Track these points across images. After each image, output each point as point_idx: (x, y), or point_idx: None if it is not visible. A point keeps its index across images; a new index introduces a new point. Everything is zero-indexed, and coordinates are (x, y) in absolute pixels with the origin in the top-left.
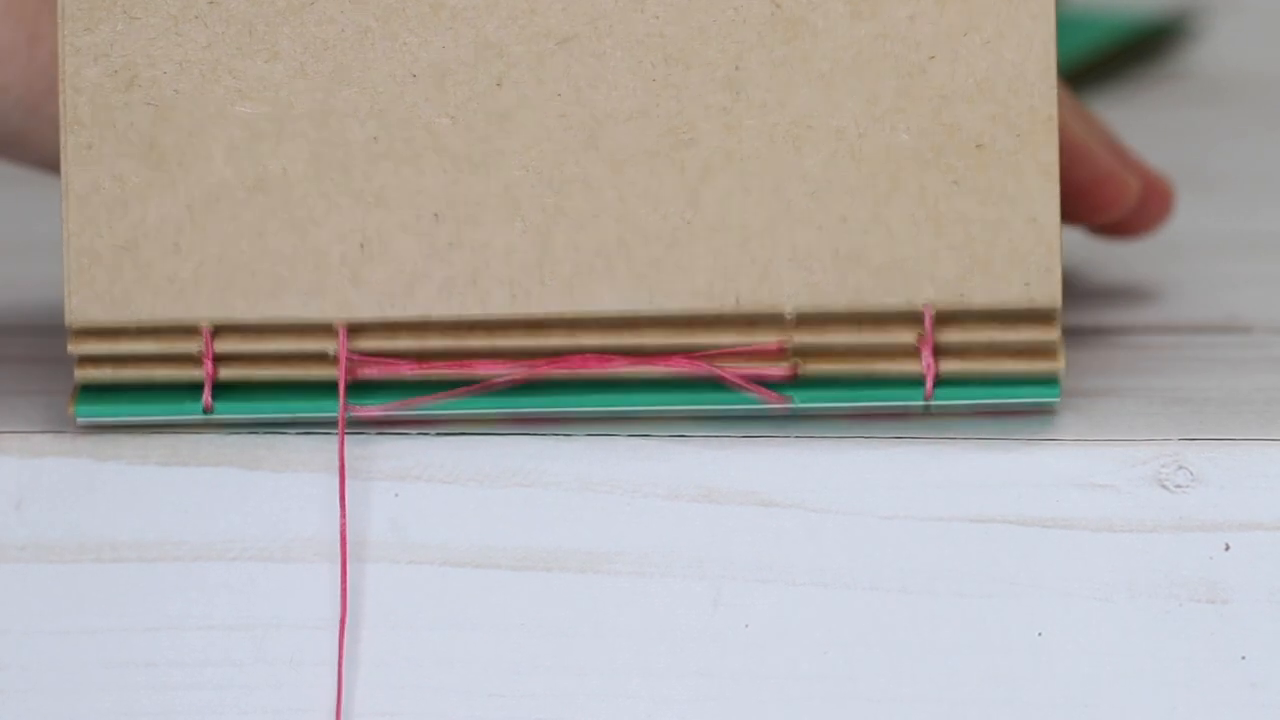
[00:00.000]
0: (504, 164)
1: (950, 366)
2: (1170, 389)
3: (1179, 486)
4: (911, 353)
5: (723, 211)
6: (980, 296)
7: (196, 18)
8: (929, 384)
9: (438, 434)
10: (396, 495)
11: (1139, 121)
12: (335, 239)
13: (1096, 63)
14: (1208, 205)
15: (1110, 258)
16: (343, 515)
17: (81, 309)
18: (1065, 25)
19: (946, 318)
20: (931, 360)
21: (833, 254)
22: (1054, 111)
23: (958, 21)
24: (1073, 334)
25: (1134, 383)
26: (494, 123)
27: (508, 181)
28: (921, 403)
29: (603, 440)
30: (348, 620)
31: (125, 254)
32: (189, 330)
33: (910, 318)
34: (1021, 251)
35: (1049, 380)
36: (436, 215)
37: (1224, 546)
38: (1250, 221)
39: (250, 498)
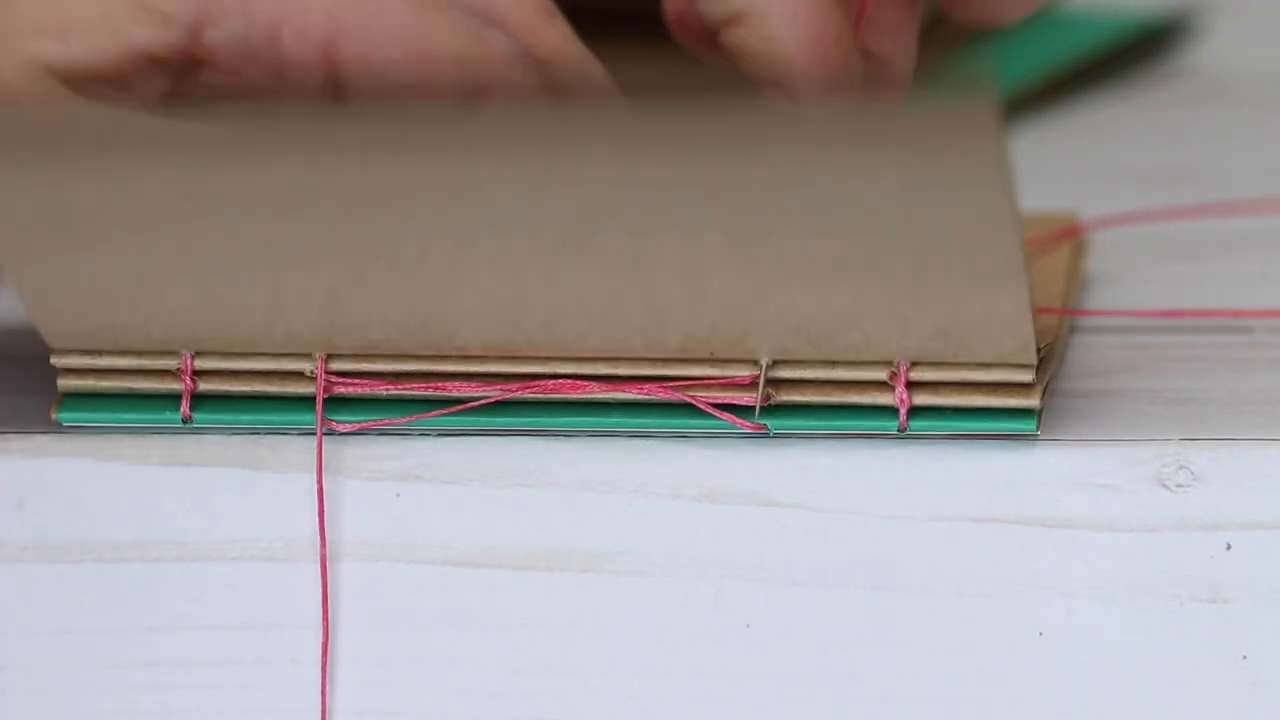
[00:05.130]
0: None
1: (924, 400)
2: (1171, 389)
3: (1180, 486)
4: (885, 387)
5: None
6: (957, 359)
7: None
8: (903, 416)
9: (439, 434)
10: (398, 495)
11: (1139, 121)
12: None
13: (1096, 63)
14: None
15: (1111, 257)
16: (321, 525)
17: (59, 340)
18: (1065, 25)
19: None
20: (905, 394)
21: (810, 319)
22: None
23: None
24: (1073, 333)
25: (1134, 383)
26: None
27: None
28: (895, 432)
29: (603, 440)
30: (351, 619)
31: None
32: (169, 351)
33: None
34: (999, 318)
35: (1026, 414)
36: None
37: (1225, 546)
38: (1251, 221)
39: (252, 498)
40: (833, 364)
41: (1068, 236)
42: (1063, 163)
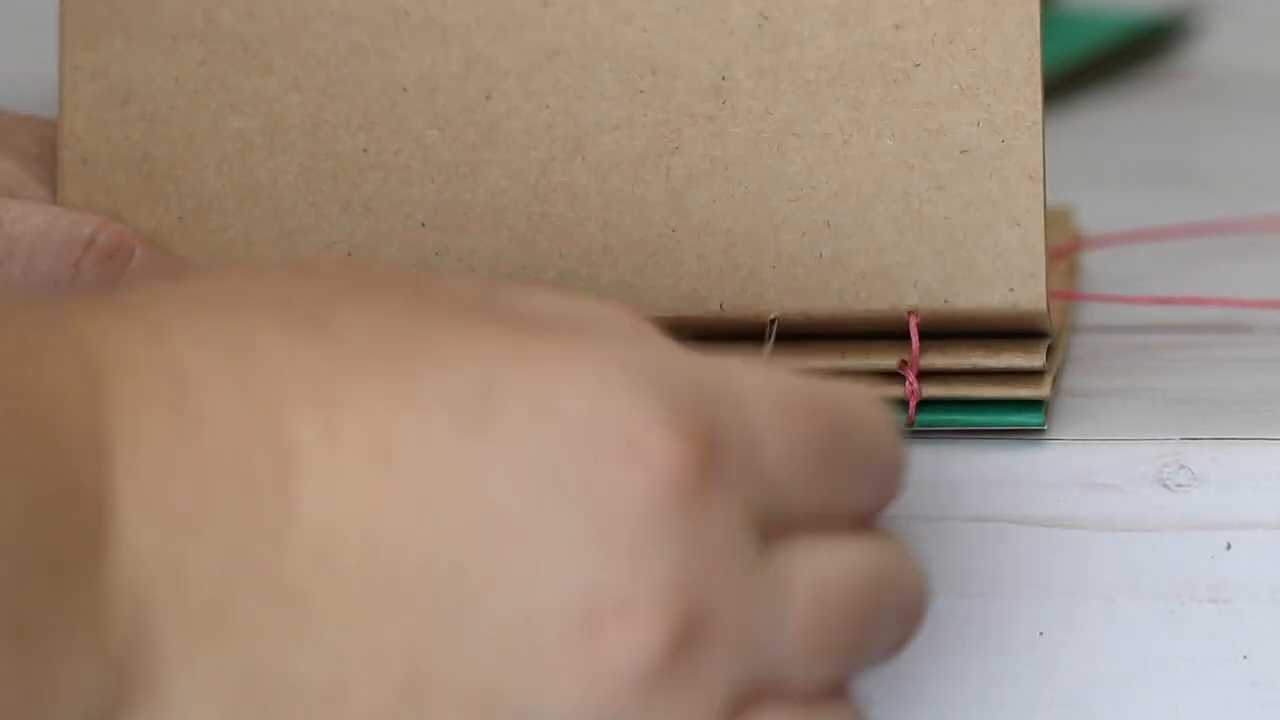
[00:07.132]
0: (490, 173)
1: (933, 391)
2: (1171, 388)
3: (1180, 486)
4: (894, 376)
5: (707, 218)
6: (965, 301)
7: (193, 35)
8: (912, 408)
9: None
10: None
11: (1139, 121)
12: (323, 247)
13: (1096, 63)
14: (1208, 204)
15: (1111, 256)
16: None
17: None
18: (1066, 25)
19: (930, 341)
20: (915, 384)
21: (817, 259)
22: (1039, 116)
23: (943, 29)
24: (1073, 333)
25: (1134, 382)
26: (482, 133)
27: (494, 190)
28: (903, 425)
29: None
30: None
31: None
32: None
33: (894, 339)
34: (1006, 256)
35: (1034, 405)
36: (423, 224)
37: (1225, 546)
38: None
39: None
40: (842, 352)
41: (1066, 254)
42: (1063, 162)
